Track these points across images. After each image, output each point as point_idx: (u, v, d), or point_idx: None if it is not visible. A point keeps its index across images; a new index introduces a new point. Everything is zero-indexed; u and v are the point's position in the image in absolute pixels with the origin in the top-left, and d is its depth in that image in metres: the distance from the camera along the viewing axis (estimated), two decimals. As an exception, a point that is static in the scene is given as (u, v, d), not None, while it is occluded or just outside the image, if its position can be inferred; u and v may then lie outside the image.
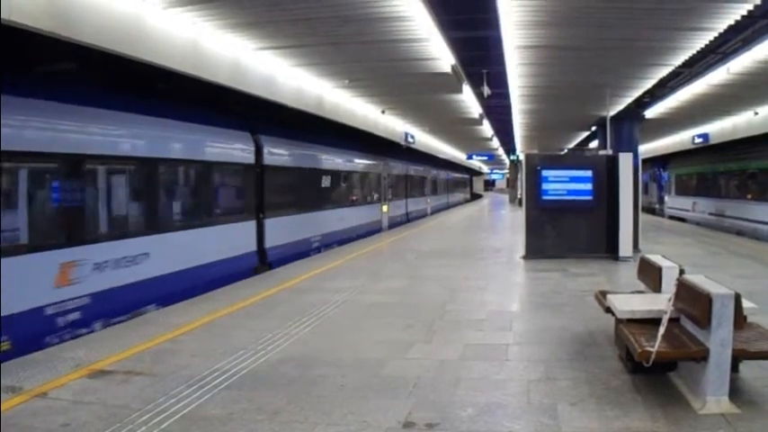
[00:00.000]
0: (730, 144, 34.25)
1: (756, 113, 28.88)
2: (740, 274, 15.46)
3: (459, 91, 23.39)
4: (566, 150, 46.46)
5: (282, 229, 21.85)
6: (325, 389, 7.65)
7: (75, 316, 11.92)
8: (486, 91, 23.68)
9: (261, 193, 20.57)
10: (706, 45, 16.21)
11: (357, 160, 33.01)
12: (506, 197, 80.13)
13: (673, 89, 24.44)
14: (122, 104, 14.07)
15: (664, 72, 20.00)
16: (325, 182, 27.19)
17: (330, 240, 26.29)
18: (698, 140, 37.22)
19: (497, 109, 33.34)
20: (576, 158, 23.92)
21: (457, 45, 17.95)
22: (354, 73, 20.31)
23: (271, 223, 20.89)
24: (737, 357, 7.01)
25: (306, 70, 19.54)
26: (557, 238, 19.47)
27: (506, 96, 26.00)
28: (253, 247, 19.92)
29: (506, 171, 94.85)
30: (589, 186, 19.24)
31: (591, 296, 10.82)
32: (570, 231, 19.46)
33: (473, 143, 52.65)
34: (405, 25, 14.42)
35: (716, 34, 15.07)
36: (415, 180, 48.66)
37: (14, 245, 10.86)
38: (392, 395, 7.41)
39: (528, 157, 20.76)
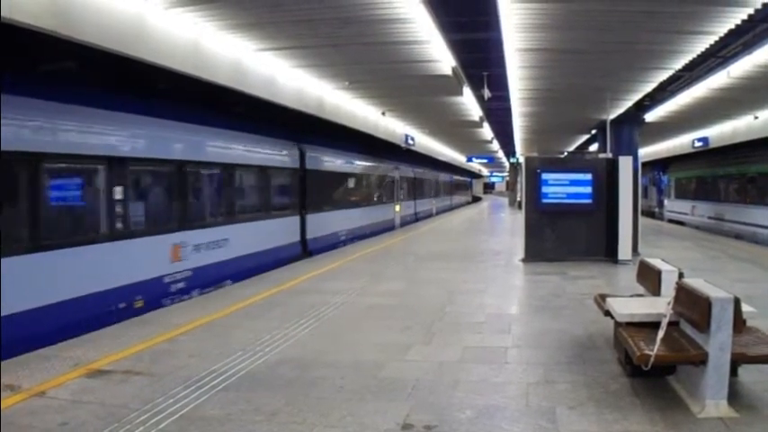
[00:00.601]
0: (730, 148, 34.30)
1: (756, 117, 28.91)
2: (739, 277, 15.48)
3: (460, 93, 23.41)
4: (566, 153, 46.46)
5: (319, 224, 25.62)
6: (324, 390, 7.64)
7: (180, 285, 15.55)
8: (487, 93, 23.71)
9: (303, 192, 24.42)
10: (706, 49, 16.21)
11: (375, 165, 36.91)
12: (506, 200, 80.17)
13: (673, 93, 24.43)
14: (214, 120, 18.40)
15: (664, 76, 20.01)
16: (351, 184, 31.58)
17: (353, 235, 29.91)
18: (698, 144, 37.25)
19: (497, 111, 33.34)
20: (576, 162, 23.92)
21: (457, 47, 17.97)
22: (355, 75, 20.33)
23: (310, 218, 24.74)
24: (736, 361, 7.00)
25: (306, 72, 19.56)
26: (556, 242, 19.47)
27: (507, 99, 25.98)
28: (297, 237, 23.88)
29: (506, 174, 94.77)
30: (589, 189, 19.23)
31: (590, 299, 10.82)
32: (570, 234, 19.46)
33: (473, 146, 52.68)
34: (405, 27, 14.43)
35: (716, 38, 15.07)
36: (423, 183, 52.64)
37: (144, 229, 14.59)
38: (391, 397, 7.41)
39: (528, 159, 20.75)
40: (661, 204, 49.01)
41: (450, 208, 68.63)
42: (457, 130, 39.11)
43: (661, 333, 7.03)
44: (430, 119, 33.51)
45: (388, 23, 14.15)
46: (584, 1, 12.89)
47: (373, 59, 17.79)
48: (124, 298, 13.30)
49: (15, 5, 9.05)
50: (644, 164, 31.71)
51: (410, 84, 21.54)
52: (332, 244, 26.33)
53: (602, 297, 9.43)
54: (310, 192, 24.88)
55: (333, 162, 28.87)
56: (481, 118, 32.61)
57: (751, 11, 12.85)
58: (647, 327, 7.58)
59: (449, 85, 21.37)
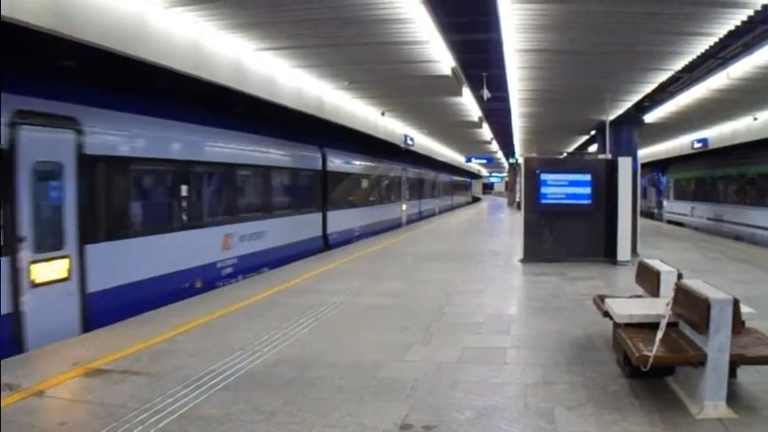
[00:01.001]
0: (729, 149, 34.29)
1: (756, 119, 28.90)
2: (738, 279, 15.50)
3: (459, 94, 23.40)
4: (565, 154, 46.43)
5: (338, 220, 28.09)
6: (323, 390, 7.66)
7: (229, 270, 17.83)
8: (486, 94, 23.69)
9: (325, 192, 27.02)
10: (706, 50, 16.19)
11: (385, 166, 39.23)
12: (505, 200, 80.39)
13: (672, 94, 24.41)
14: (251, 128, 20.68)
15: (664, 77, 19.99)
16: (364, 184, 34.33)
17: (366, 231, 32.21)
18: (697, 145, 37.23)
19: (497, 112, 33.32)
20: (575, 162, 23.99)
21: (457, 48, 17.96)
22: (355, 75, 20.31)
23: (330, 215, 27.26)
24: (735, 362, 7.01)
25: (306, 71, 19.54)
26: (555, 242, 19.48)
27: (506, 99, 25.95)
28: (320, 232, 26.34)
29: (505, 174, 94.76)
30: (588, 190, 19.24)
31: (589, 300, 10.83)
32: (569, 235, 19.46)
33: (472, 146, 52.66)
34: (405, 27, 14.41)
35: (716, 39, 15.06)
36: (427, 184, 54.80)
37: (201, 221, 16.90)
38: (389, 397, 7.42)
39: (527, 160, 20.75)
40: (660, 205, 48.96)
41: (452, 207, 70.80)
42: (456, 131, 39.10)
43: (660, 334, 7.04)
44: (429, 119, 33.50)
45: (387, 24, 14.14)
46: (583, 2, 12.88)
47: (373, 60, 17.78)
48: (193, 278, 16.04)
49: (16, 4, 9.04)
50: (643, 165, 31.81)
51: (410, 84, 21.53)
52: (348, 239, 29.03)
53: (601, 298, 9.43)
54: (330, 191, 27.65)
55: (350, 164, 31.71)
56: (480, 118, 32.59)
57: (751, 12, 12.84)
58: (646, 328, 7.58)
59: (448, 86, 21.35)
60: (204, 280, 16.33)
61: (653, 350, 6.82)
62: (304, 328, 10.87)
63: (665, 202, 47.63)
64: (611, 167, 19.24)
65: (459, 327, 11.10)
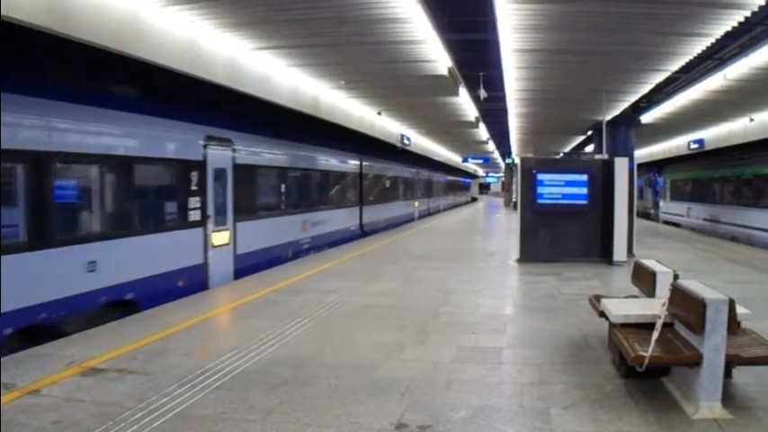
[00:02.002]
0: (726, 150, 34.33)
1: (752, 120, 28.96)
2: (734, 279, 15.51)
3: (456, 93, 23.42)
4: (561, 154, 46.48)
5: (370, 213, 34.86)
6: (318, 390, 7.64)
7: (305, 246, 23.91)
8: (483, 94, 23.67)
9: (360, 189, 33.53)
10: (703, 51, 16.25)
11: (404, 168, 45.76)
12: (501, 201, 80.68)
13: (669, 94, 24.47)
14: (313, 140, 26.36)
15: (660, 77, 20.04)
16: (388, 184, 40.77)
17: (388, 223, 38.58)
18: (693, 146, 37.33)
19: (493, 112, 33.32)
20: (572, 162, 24.03)
21: (454, 47, 17.95)
22: (351, 74, 20.32)
23: (365, 209, 33.90)
24: (731, 363, 7.01)
25: (302, 71, 19.55)
26: (551, 242, 19.48)
27: (503, 99, 25.98)
28: (358, 222, 32.67)
29: (501, 175, 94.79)
30: (584, 191, 19.25)
31: (585, 300, 10.82)
32: (565, 235, 19.48)
33: (469, 146, 52.81)
34: (402, 27, 14.41)
35: (713, 40, 15.09)
36: (434, 184, 62.18)
37: (292, 211, 23.38)
38: (385, 397, 7.41)
39: (523, 160, 20.75)
40: (656, 206, 48.99)
41: (454, 205, 79.92)
42: (453, 131, 39.19)
43: (655, 334, 7.04)
44: (426, 119, 33.57)
45: (384, 23, 14.14)
46: (580, 2, 12.90)
47: (369, 59, 17.78)
48: (291, 248, 22.50)
49: (12, 3, 9.02)
50: (640, 165, 31.79)
51: (406, 84, 21.54)
52: (376, 229, 35.03)
53: (597, 298, 9.45)
54: (365, 190, 34.41)
55: (378, 167, 38.11)
56: (477, 118, 32.63)
57: (748, 13, 12.87)
58: (642, 328, 7.59)
59: (445, 86, 21.35)
60: (293, 252, 22.49)
61: (648, 350, 6.82)
62: (300, 328, 10.86)
63: (661, 203, 47.65)
64: (608, 168, 19.24)
65: (455, 326, 11.09)
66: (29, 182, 10.94)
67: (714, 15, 13.22)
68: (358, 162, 33.20)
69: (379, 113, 29.91)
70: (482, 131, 40.18)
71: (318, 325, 11.19)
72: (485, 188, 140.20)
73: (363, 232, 32.67)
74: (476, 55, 21.41)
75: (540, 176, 19.45)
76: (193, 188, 15.91)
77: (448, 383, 7.89)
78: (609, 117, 26.49)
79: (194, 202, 15.85)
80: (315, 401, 7.24)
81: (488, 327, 11.12)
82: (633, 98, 24.37)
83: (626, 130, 29.39)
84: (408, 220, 44.92)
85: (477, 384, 7.88)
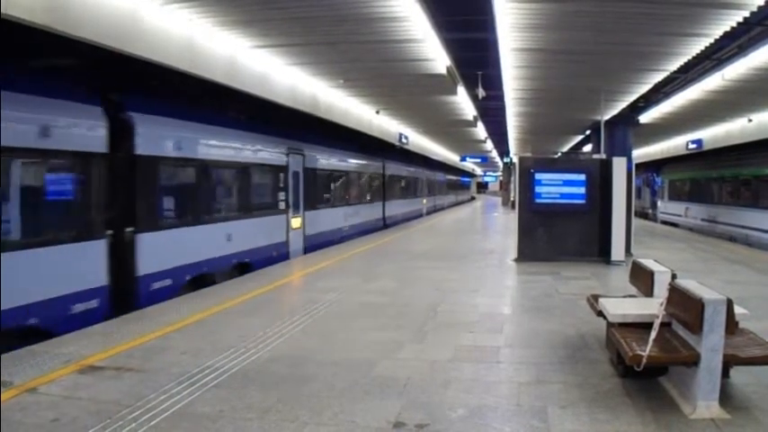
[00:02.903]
0: (724, 150, 34.34)
1: (750, 120, 28.96)
2: (732, 279, 15.53)
3: (454, 92, 23.40)
4: (559, 154, 46.48)
5: (390, 208, 40.62)
6: (316, 388, 7.65)
7: (344, 234, 28.87)
8: (481, 93, 23.65)
9: (383, 189, 39.23)
10: (701, 51, 16.23)
11: (414, 170, 50.79)
12: (499, 200, 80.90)
13: (667, 94, 24.47)
14: (355, 149, 33.10)
15: (659, 77, 20.02)
16: (403, 184, 46.40)
17: (404, 217, 44.18)
18: (692, 146, 37.33)
19: (492, 111, 33.34)
20: (570, 162, 23.98)
21: (452, 46, 17.95)
22: (349, 73, 20.29)
23: (387, 204, 39.72)
24: (728, 363, 7.02)
25: (301, 69, 19.51)
26: (549, 242, 19.49)
27: (501, 99, 25.97)
28: (381, 215, 38.39)
29: (499, 174, 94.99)
30: (582, 190, 19.26)
31: (583, 300, 10.85)
32: (563, 235, 19.48)
33: (467, 145, 52.91)
34: (401, 26, 14.40)
35: (711, 40, 15.08)
36: (439, 183, 68.10)
37: (338, 203, 28.94)
38: (382, 395, 7.42)
39: (522, 159, 20.77)
40: (654, 206, 49.02)
41: (456, 203, 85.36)
42: (451, 130, 39.17)
43: (653, 334, 7.05)
44: (424, 118, 33.54)
45: (383, 21, 14.13)
46: (579, 2, 12.89)
47: (368, 58, 17.76)
48: (337, 234, 28.08)
49: (11, 0, 9.01)
50: (638, 165, 31.78)
51: (405, 82, 21.54)
52: (396, 222, 41.01)
53: (595, 297, 9.46)
54: (387, 189, 40.14)
55: (396, 170, 43.61)
56: (475, 117, 32.61)
57: (746, 13, 12.86)
58: (640, 327, 7.60)
59: (443, 85, 21.34)
60: (338, 237, 27.88)
61: (646, 350, 6.83)
62: (297, 326, 10.86)
63: (659, 203, 47.67)
64: (606, 167, 19.24)
65: (452, 325, 11.09)
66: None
67: (713, 15, 13.21)
68: (381, 165, 39.07)
69: (377, 112, 29.90)
70: (480, 130, 40.19)
71: (316, 323, 11.20)
72: (483, 187, 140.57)
73: (385, 224, 38.78)
74: (474, 54, 21.40)
75: (539, 176, 19.46)
76: (281, 185, 21.99)
77: (445, 382, 7.89)
78: (607, 117, 26.46)
79: (282, 195, 22.01)
80: (312, 400, 7.24)
81: (486, 326, 11.13)
82: (631, 98, 24.36)
83: (624, 129, 29.37)
84: (419, 215, 51.31)
85: (475, 383, 7.88)
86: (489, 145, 53.25)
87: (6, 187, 10.40)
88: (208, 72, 15.11)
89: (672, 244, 26.00)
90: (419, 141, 44.13)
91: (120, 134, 13.03)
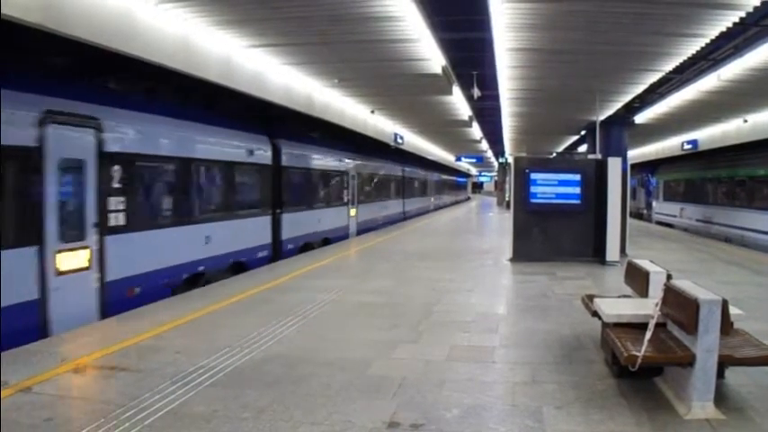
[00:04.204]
0: (719, 151, 34.38)
1: (746, 121, 28.99)
2: (727, 280, 15.56)
3: (450, 92, 23.39)
4: (555, 154, 46.55)
5: (409, 204, 49.12)
6: (311, 388, 7.64)
7: (382, 221, 38.09)
8: (476, 93, 23.65)
9: (403, 187, 47.25)
10: (697, 51, 16.22)
11: (422, 173, 59.10)
12: (494, 200, 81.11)
13: (663, 95, 24.47)
14: (379, 156, 39.66)
15: (654, 78, 20.03)
16: (417, 185, 55.19)
17: (417, 212, 53.00)
18: (687, 147, 37.34)
19: (487, 111, 33.40)
20: (565, 162, 24.11)
21: (448, 46, 17.93)
22: (344, 72, 20.26)
23: (406, 201, 47.96)
24: (723, 363, 7.03)
25: (296, 69, 19.49)
26: (544, 242, 19.51)
27: (496, 99, 25.97)
28: (401, 209, 46.25)
29: (494, 174, 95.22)
30: (577, 190, 19.28)
31: (578, 300, 10.85)
32: (558, 235, 19.50)
33: (462, 145, 52.98)
34: (396, 25, 14.39)
35: (707, 41, 15.08)
36: (441, 183, 76.57)
37: (371, 200, 36.60)
38: (377, 395, 7.41)
39: (517, 159, 20.77)
40: (649, 206, 49.07)
41: (456, 202, 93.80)
42: (446, 130, 39.19)
43: (648, 334, 7.05)
44: (419, 118, 33.52)
45: (378, 21, 14.11)
46: (574, 2, 12.89)
47: (363, 57, 17.74)
48: (376, 222, 35.96)
49: (7, 0, 8.98)
50: (633, 165, 31.81)
51: (400, 82, 21.50)
52: (411, 215, 49.39)
53: (590, 297, 9.45)
54: (406, 188, 48.48)
55: (411, 173, 51.74)
56: (471, 117, 32.63)
57: (742, 14, 12.86)
58: (635, 328, 7.60)
59: (439, 84, 21.32)
60: (376, 225, 35.86)
61: (641, 350, 6.82)
62: (292, 326, 10.85)
63: (654, 203, 47.73)
64: (601, 168, 19.27)
65: (447, 325, 11.09)
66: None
67: (708, 16, 13.21)
68: (401, 169, 46.99)
69: (372, 112, 29.88)
70: (475, 130, 40.21)
71: (311, 323, 11.19)
72: (478, 187, 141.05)
73: (405, 217, 46.85)
74: (469, 54, 21.42)
75: (534, 176, 19.47)
76: (345, 186, 30.53)
77: (440, 382, 7.88)
78: (602, 117, 26.53)
79: (345, 193, 30.45)
80: (307, 400, 7.23)
81: (481, 326, 11.12)
82: (627, 98, 24.37)
83: (619, 130, 29.40)
84: (428, 210, 60.99)
85: (470, 383, 7.88)
86: (485, 145, 53.43)
87: (236, 184, 19.14)
88: (203, 72, 15.09)
89: (667, 244, 26.04)
90: (414, 141, 44.16)
91: (274, 154, 21.78)
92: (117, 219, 12.97)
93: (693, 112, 27.06)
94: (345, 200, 30.73)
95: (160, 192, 15.24)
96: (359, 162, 33.55)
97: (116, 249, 12.81)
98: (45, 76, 12.81)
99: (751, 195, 29.94)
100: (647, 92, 23.20)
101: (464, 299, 13.70)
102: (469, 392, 7.50)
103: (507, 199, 41.04)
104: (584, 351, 9.30)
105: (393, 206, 43.70)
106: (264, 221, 20.77)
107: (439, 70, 18.96)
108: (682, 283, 7.34)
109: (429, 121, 34.53)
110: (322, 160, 27.21)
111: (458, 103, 26.95)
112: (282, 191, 22.10)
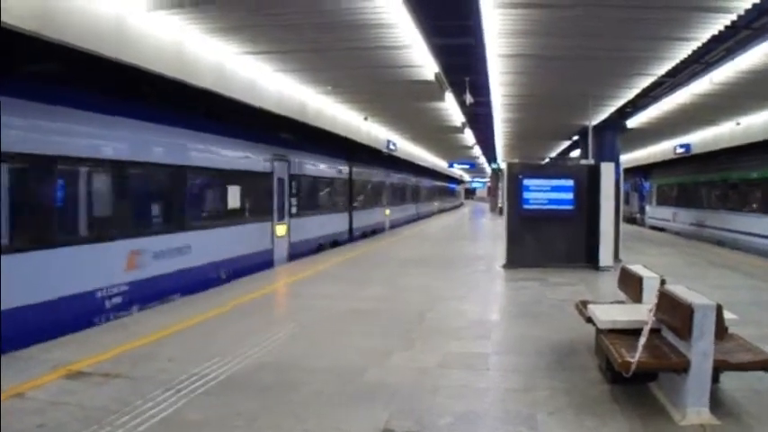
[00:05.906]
0: (712, 155, 34.43)
1: (738, 124, 29.02)
2: (720, 284, 15.58)
3: (442, 99, 23.39)
4: (547, 160, 46.62)
5: (421, 207, 60.60)
6: (304, 396, 7.61)
7: (403, 220, 49.91)
8: (469, 99, 23.63)
9: (418, 193, 60.36)
10: (689, 55, 16.24)
11: (431, 182, 70.67)
12: (487, 206, 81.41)
13: (655, 99, 24.49)
14: (396, 168, 48.98)
15: (647, 82, 20.04)
16: (425, 192, 65.69)
17: (426, 215, 62.65)
18: (680, 150, 37.36)
19: (480, 117, 33.34)
20: (558, 168, 24.08)
21: (440, 52, 17.92)
22: (337, 79, 20.23)
23: (419, 205, 59.95)
24: (718, 369, 7.03)
25: (289, 76, 19.45)
26: (537, 248, 19.50)
27: (489, 105, 25.98)
28: (415, 212, 57.13)
29: (487, 180, 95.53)
30: (570, 196, 19.27)
31: (571, 306, 10.83)
32: (551, 241, 19.49)
33: (455, 151, 52.90)
34: (388, 32, 14.37)
35: (699, 44, 15.09)
36: (439, 190, 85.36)
37: (396, 204, 49.15)
38: (371, 403, 7.39)
39: (510, 165, 20.77)
40: (642, 211, 49.20)
41: (453, 207, 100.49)
42: (439, 136, 39.13)
43: (643, 340, 7.04)
44: (412, 124, 33.50)
45: (370, 28, 14.09)
46: (566, 7, 12.88)
47: (356, 64, 17.71)
48: (400, 221, 47.82)
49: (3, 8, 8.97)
50: (626, 170, 31.83)
51: (393, 89, 21.48)
52: (421, 217, 58.55)
53: (584, 303, 9.46)
54: (420, 194, 60.82)
55: (422, 182, 62.34)
56: (463, 123, 32.58)
57: (734, 17, 12.89)
58: (629, 334, 7.59)
59: (431, 91, 21.31)
60: (399, 224, 45.09)
61: (636, 356, 6.82)
62: (286, 333, 10.82)
63: (647, 208, 47.86)
64: (594, 173, 19.28)
65: (440, 332, 11.08)
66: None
67: (700, 19, 13.23)
68: (415, 178, 57.61)
69: (365, 119, 29.86)
70: (468, 137, 40.13)
71: (304, 330, 11.16)
72: (470, 193, 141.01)
73: (418, 217, 56.95)
74: (462, 60, 21.41)
75: (527, 182, 19.46)
76: (382, 192, 41.03)
77: (434, 389, 7.87)
78: (595, 122, 26.52)
79: (383, 197, 40.54)
80: (300, 407, 7.20)
81: (474, 332, 11.11)
82: (619, 103, 24.39)
83: (612, 134, 29.40)
84: (432, 213, 70.48)
85: (463, 390, 7.87)
86: (477, 151, 53.40)
87: (335, 191, 31.17)
88: (197, 79, 15.06)
89: (660, 249, 26.10)
90: (407, 148, 44.10)
91: (349, 171, 32.81)
92: (293, 209, 24.13)
93: (686, 116, 27.07)
94: (384, 203, 43.60)
95: (309, 196, 26.89)
96: (393, 175, 46.06)
97: (294, 225, 23.96)
98: (271, 137, 23.18)
99: (744, 198, 30.00)
100: (639, 96, 23.22)
101: (457, 306, 13.67)
102: (463, 399, 7.49)
103: (500, 205, 41.65)
104: (577, 357, 9.29)
105: (411, 208, 55.65)
106: (345, 216, 32.79)
107: (432, 77, 18.94)
108: (676, 288, 7.35)
109: (422, 127, 34.49)
110: (375, 175, 40.64)
111: (450, 109, 26.91)
112: (353, 195, 34.38)
